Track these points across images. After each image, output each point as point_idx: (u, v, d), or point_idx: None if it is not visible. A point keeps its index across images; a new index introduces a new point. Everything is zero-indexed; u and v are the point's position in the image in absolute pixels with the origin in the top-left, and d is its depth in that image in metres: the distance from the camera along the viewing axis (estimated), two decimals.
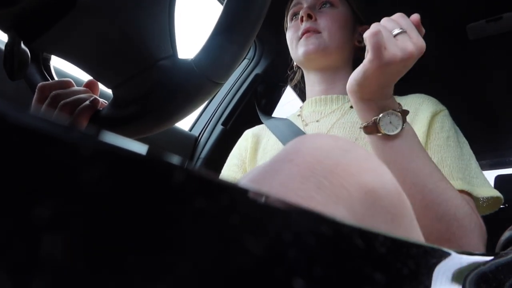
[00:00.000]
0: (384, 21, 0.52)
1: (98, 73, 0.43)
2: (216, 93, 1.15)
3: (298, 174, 0.26)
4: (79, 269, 0.08)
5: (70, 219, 0.08)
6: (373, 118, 0.54)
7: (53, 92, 0.48)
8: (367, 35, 0.49)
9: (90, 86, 0.53)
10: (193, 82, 0.39)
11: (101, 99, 0.50)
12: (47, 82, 0.49)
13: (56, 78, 0.54)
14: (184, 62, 0.39)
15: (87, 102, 0.48)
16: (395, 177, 0.50)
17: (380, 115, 0.53)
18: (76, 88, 0.50)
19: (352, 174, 0.27)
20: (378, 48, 0.48)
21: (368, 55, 0.50)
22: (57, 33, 0.36)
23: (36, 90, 0.48)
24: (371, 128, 0.54)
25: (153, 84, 0.40)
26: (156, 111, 0.41)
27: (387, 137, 0.54)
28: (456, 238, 0.50)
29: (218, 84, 0.40)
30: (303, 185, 0.25)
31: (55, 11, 0.34)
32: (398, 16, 0.52)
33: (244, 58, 1.21)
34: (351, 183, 0.27)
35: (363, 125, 0.55)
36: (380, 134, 0.54)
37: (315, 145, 0.29)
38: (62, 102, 0.47)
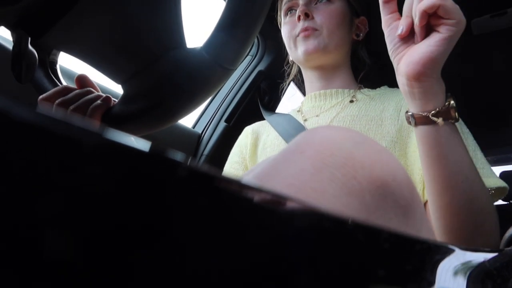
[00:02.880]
0: None
1: (107, 69, 0.43)
2: (219, 90, 1.16)
3: (310, 166, 0.26)
4: (83, 265, 0.08)
5: (74, 216, 0.08)
6: (446, 102, 0.48)
7: (59, 100, 0.48)
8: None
9: (81, 80, 0.52)
10: (205, 70, 0.38)
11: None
12: (45, 95, 0.48)
13: (63, 81, 0.54)
14: (194, 50, 0.39)
15: (99, 101, 0.47)
16: (455, 170, 0.48)
17: (451, 100, 0.48)
18: (79, 90, 0.50)
19: (364, 167, 0.27)
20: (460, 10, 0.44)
21: (452, 19, 0.44)
22: (64, 27, 0.36)
23: (38, 104, 0.48)
24: (444, 114, 0.48)
25: (163, 75, 0.39)
26: (168, 102, 0.40)
27: (452, 126, 0.49)
28: (487, 232, 0.49)
29: (229, 70, 0.39)
30: (316, 177, 0.25)
31: (61, 4, 0.34)
32: None
33: (247, 55, 1.21)
34: (364, 176, 0.27)
35: (434, 111, 0.48)
36: (452, 121, 0.48)
37: (327, 137, 0.29)
38: (72, 106, 0.47)
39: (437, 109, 0.48)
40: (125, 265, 0.09)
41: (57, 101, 0.48)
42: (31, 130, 0.08)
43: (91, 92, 0.50)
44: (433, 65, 0.47)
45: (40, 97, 0.48)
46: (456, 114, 0.48)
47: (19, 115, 0.08)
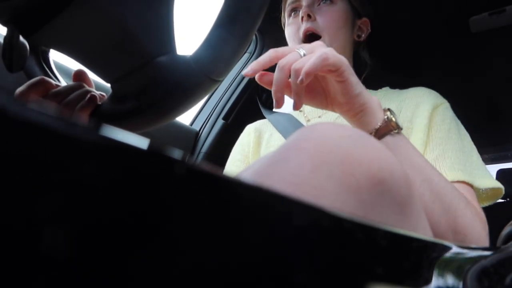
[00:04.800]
0: (287, 58, 0.50)
1: (96, 68, 0.43)
2: (217, 88, 1.15)
3: (309, 163, 0.26)
4: (81, 264, 0.08)
5: (72, 214, 0.08)
6: (385, 117, 0.52)
7: (51, 91, 0.47)
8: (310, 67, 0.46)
9: (79, 76, 0.52)
10: (191, 79, 0.38)
11: (98, 92, 0.50)
12: (21, 88, 0.47)
13: (55, 70, 0.54)
14: (183, 58, 0.39)
15: (85, 100, 0.47)
16: (410, 175, 0.50)
17: (388, 113, 0.53)
18: (71, 84, 0.50)
19: (362, 164, 0.27)
20: (334, 60, 0.48)
21: (336, 72, 0.49)
22: (55, 27, 0.36)
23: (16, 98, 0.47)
24: (385, 129, 0.52)
25: (151, 80, 0.40)
26: (154, 107, 0.41)
27: (396, 135, 0.53)
28: (462, 228, 0.51)
29: (216, 81, 0.40)
30: (314, 174, 0.25)
31: (54, 5, 0.34)
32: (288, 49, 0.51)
33: (245, 52, 1.20)
34: (362, 173, 0.27)
35: (376, 127, 0.52)
36: (395, 131, 0.52)
37: (325, 134, 0.29)
38: (65, 101, 0.47)
39: (378, 126, 0.52)
40: (123, 263, 0.09)
41: (49, 94, 0.47)
42: (29, 127, 0.08)
43: (82, 86, 0.50)
44: (349, 101, 0.52)
45: (17, 90, 0.47)
46: (396, 124, 0.52)
47: (15, 112, 0.08)
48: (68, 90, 0.49)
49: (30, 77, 0.50)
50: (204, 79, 0.38)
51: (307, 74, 0.46)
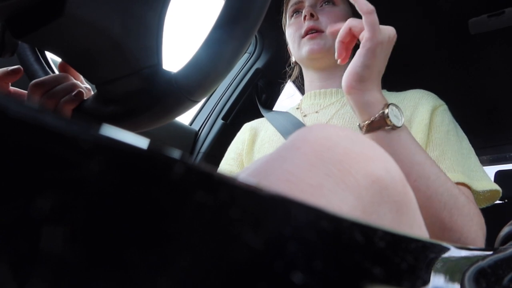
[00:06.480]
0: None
1: (83, 70, 0.44)
2: (217, 88, 1.16)
3: (306, 162, 0.26)
4: (78, 263, 0.08)
5: (70, 213, 0.09)
6: (380, 111, 0.53)
7: (34, 81, 0.47)
8: (364, 11, 0.51)
9: (66, 67, 0.52)
10: (170, 97, 0.39)
11: (84, 86, 0.50)
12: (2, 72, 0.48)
13: (48, 57, 0.54)
14: (166, 74, 0.40)
15: (72, 94, 0.47)
16: (406, 171, 0.51)
17: (388, 109, 0.53)
18: (56, 75, 0.49)
19: (359, 163, 0.27)
20: (377, 25, 0.51)
21: (366, 34, 0.51)
22: (45, 34, 0.37)
23: None
24: (378, 123, 0.53)
25: (134, 89, 0.41)
26: (131, 116, 0.42)
27: (392, 131, 0.53)
28: (458, 227, 0.51)
29: (195, 102, 0.40)
30: (312, 173, 0.26)
31: (43, 15, 0.35)
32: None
33: (245, 52, 1.21)
34: (359, 171, 0.27)
35: (368, 121, 0.53)
36: (388, 127, 0.53)
37: (322, 134, 0.29)
38: (50, 92, 0.47)
39: (372, 119, 0.53)
40: (121, 263, 0.09)
41: (33, 82, 0.47)
42: (26, 126, 0.08)
43: (68, 78, 0.49)
44: (357, 78, 0.53)
45: None
46: (391, 121, 0.53)
47: (14, 111, 0.08)
48: (53, 81, 0.48)
49: (22, 61, 0.51)
50: (183, 99, 0.39)
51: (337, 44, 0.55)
